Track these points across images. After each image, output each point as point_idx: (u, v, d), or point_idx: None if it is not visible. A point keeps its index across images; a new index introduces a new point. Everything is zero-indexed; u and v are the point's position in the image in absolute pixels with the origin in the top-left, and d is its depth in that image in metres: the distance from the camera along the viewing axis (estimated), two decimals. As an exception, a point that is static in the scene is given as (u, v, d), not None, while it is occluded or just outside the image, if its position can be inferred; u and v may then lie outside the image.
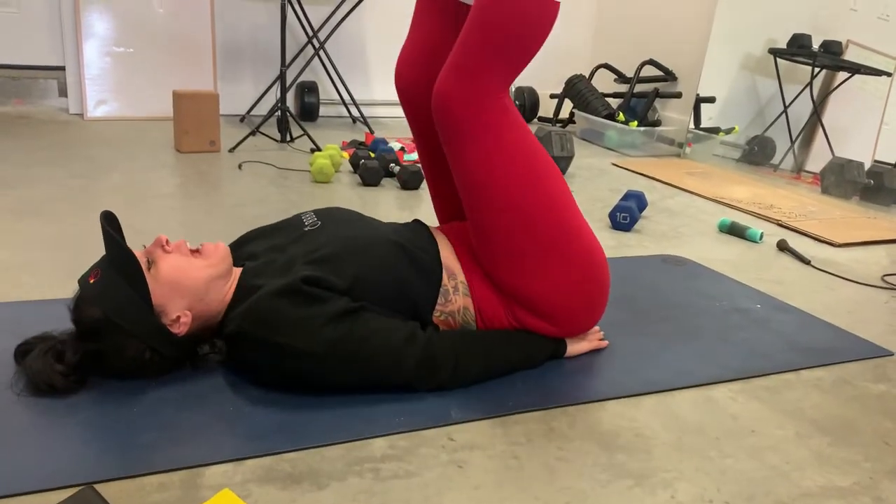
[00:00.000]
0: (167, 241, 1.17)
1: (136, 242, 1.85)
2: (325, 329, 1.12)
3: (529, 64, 4.26)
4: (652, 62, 3.97)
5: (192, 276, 1.16)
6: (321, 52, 3.66)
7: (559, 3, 1.21)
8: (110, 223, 1.17)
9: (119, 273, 1.11)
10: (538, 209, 1.27)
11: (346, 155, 3.04)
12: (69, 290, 1.57)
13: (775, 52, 3.81)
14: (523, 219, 1.27)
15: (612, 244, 2.21)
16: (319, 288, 1.15)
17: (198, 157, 2.89)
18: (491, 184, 1.25)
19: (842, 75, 3.83)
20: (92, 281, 1.12)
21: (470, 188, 1.28)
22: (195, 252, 1.22)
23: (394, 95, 4.11)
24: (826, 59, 3.78)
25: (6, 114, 3.43)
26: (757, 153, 3.85)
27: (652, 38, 4.13)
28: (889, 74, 3.91)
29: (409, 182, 2.68)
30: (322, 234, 1.29)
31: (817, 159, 3.79)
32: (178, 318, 1.15)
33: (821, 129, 3.84)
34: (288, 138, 3.25)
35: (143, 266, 1.14)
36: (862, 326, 1.70)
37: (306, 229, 1.33)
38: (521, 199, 1.26)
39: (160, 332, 1.14)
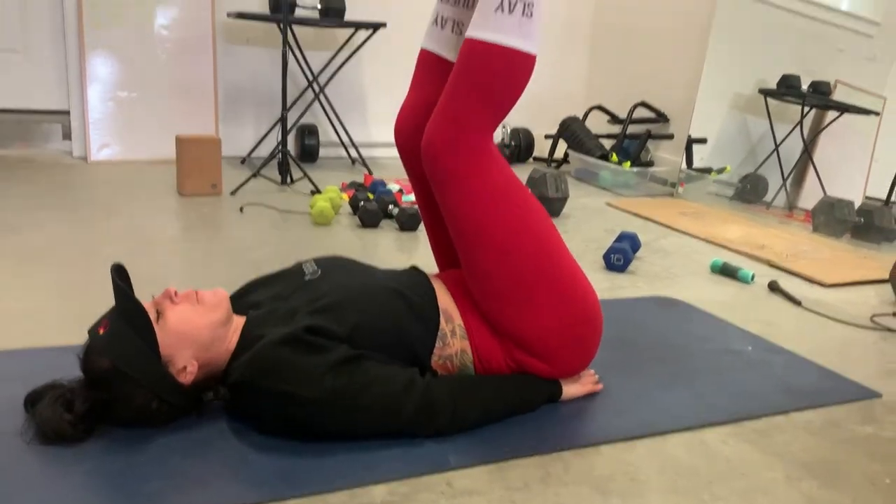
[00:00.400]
0: (175, 293, 1.21)
1: (140, 289, 1.88)
2: (327, 377, 1.16)
3: (525, 106, 4.31)
4: (644, 104, 4.05)
5: (198, 325, 1.20)
6: (321, 96, 3.74)
7: (535, 55, 1.29)
8: (120, 276, 1.22)
9: (128, 324, 1.15)
10: (528, 251, 1.33)
11: (345, 197, 3.10)
12: (76, 336, 1.60)
13: (765, 93, 3.90)
14: (514, 261, 1.32)
15: (607, 285, 2.25)
16: (321, 337, 1.19)
17: (200, 200, 2.94)
18: (481, 227, 1.31)
19: (831, 114, 3.92)
20: (102, 332, 1.16)
21: (461, 232, 1.33)
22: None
23: (391, 136, 4.17)
24: (815, 99, 3.87)
25: (11, 157, 3.50)
26: (750, 191, 3.91)
27: (644, 81, 4.22)
28: (877, 113, 4.00)
29: (407, 224, 2.74)
30: (323, 284, 1.33)
31: (810, 196, 3.85)
32: (185, 367, 1.19)
33: (812, 167, 3.91)
34: (288, 180, 3.31)
35: (152, 317, 1.18)
36: (851, 367, 1.74)
37: (307, 278, 1.37)
38: (511, 242, 1.32)
39: (168, 381, 1.18)
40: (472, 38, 1.27)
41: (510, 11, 1.25)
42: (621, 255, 2.39)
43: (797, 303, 2.19)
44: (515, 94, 1.30)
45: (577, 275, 1.39)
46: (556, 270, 1.36)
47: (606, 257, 2.42)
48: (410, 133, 1.46)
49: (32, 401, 1.22)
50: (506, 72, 1.26)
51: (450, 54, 1.46)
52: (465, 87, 1.27)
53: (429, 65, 1.47)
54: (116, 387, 1.16)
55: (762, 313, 2.10)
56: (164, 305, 1.20)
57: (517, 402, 1.37)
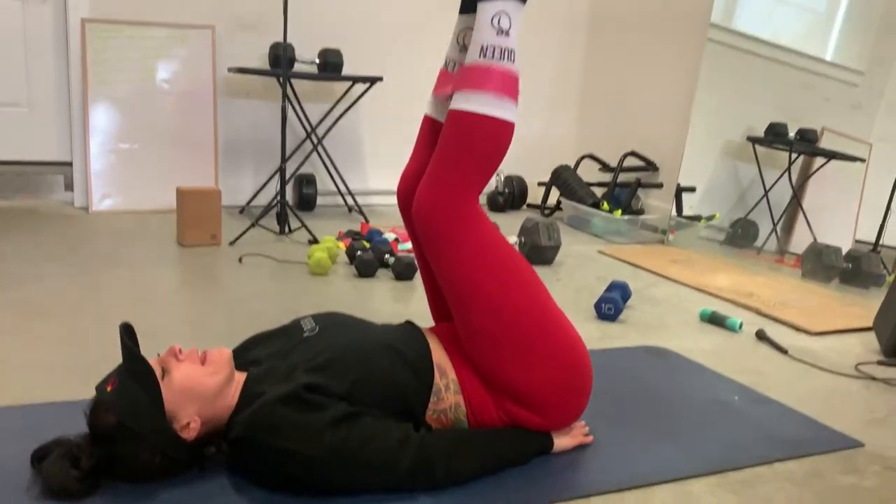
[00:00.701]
0: (180, 350, 1.26)
1: (142, 341, 1.93)
2: (325, 434, 1.21)
3: (518, 154, 4.42)
4: (634, 153, 4.15)
5: (202, 383, 1.25)
6: (319, 147, 3.83)
7: (514, 123, 1.37)
8: (128, 334, 1.27)
9: (136, 383, 1.20)
10: (518, 308, 1.39)
11: (342, 245, 3.16)
12: (81, 390, 1.64)
13: (754, 140, 4.00)
14: (504, 318, 1.38)
15: (598, 335, 2.30)
16: (319, 395, 1.24)
17: (200, 251, 3.00)
18: (471, 285, 1.37)
19: (819, 160, 4.01)
20: (109, 389, 1.21)
21: (453, 290, 1.40)
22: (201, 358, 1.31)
23: (387, 184, 4.27)
24: (802, 147, 3.96)
25: (14, 208, 3.56)
26: (741, 236, 3.99)
27: (633, 130, 4.33)
28: (862, 160, 4.09)
29: (403, 273, 2.79)
30: (320, 341, 1.38)
31: (801, 241, 3.92)
32: (189, 424, 1.24)
33: (801, 213, 3.99)
34: (287, 230, 3.37)
35: (158, 375, 1.23)
36: (835, 417, 1.79)
37: (305, 335, 1.42)
38: (501, 300, 1.38)
39: (172, 438, 1.22)
40: (456, 110, 1.35)
41: (493, 61, 1.33)
42: (612, 304, 2.45)
43: (783, 351, 2.24)
44: (496, 159, 1.38)
45: (566, 329, 1.45)
46: (546, 326, 1.41)
47: (598, 307, 2.48)
48: (410, 197, 1.54)
49: (39, 457, 1.26)
50: (487, 140, 1.35)
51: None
52: (450, 154, 1.35)
53: (429, 131, 1.55)
54: (122, 443, 1.20)
55: (750, 362, 2.15)
56: (169, 363, 1.25)
57: (510, 455, 1.41)
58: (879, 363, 2.19)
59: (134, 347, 1.21)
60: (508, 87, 1.35)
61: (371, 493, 1.27)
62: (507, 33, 1.36)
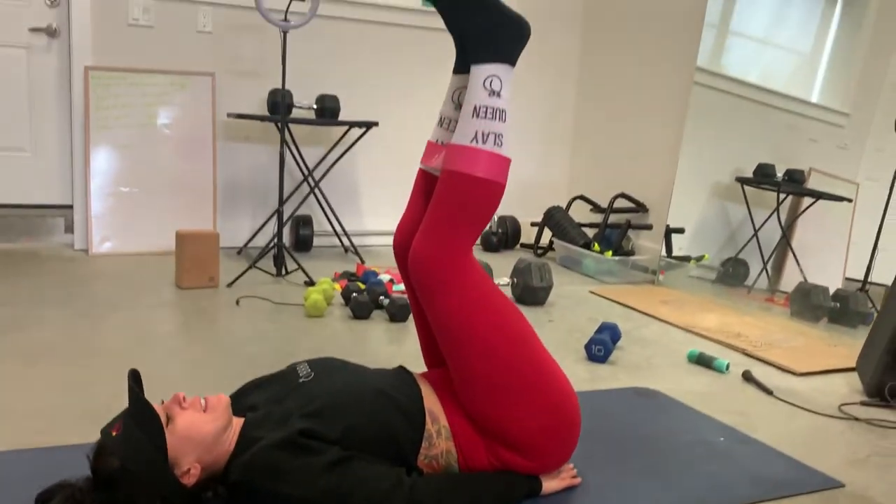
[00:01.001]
0: (184, 398, 1.32)
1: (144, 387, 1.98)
2: (320, 478, 1.25)
3: (512, 195, 4.48)
4: (624, 195, 4.24)
5: (204, 431, 1.30)
6: (316, 190, 3.91)
7: (504, 183, 1.45)
8: (135, 380, 1.32)
9: (141, 428, 1.25)
10: (508, 355, 1.45)
11: (338, 287, 3.22)
12: (82, 434, 1.69)
13: (742, 181, 4.09)
14: (495, 364, 1.44)
15: (588, 377, 2.35)
16: (314, 440, 1.29)
17: (197, 293, 3.05)
18: (464, 333, 1.43)
19: (807, 200, 4.09)
20: (115, 434, 1.26)
21: (446, 338, 1.46)
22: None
23: (382, 226, 4.35)
24: (790, 187, 4.05)
25: (15, 251, 3.62)
26: (731, 275, 4.05)
27: (623, 173, 4.43)
28: (849, 200, 4.18)
29: (397, 315, 2.85)
30: (315, 387, 1.44)
31: (791, 279, 3.99)
32: (189, 469, 1.28)
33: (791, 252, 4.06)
34: (283, 272, 3.43)
35: (163, 421, 1.28)
36: (817, 457, 1.83)
37: (301, 380, 1.48)
38: (492, 347, 1.44)
39: (173, 483, 1.27)
40: (450, 170, 1.42)
41: (483, 142, 1.41)
42: (602, 346, 2.50)
43: (769, 392, 2.29)
44: (487, 216, 1.46)
45: (555, 374, 1.50)
46: (536, 372, 1.47)
47: (588, 348, 2.53)
48: (405, 246, 1.61)
49: (43, 500, 1.29)
50: (478, 198, 1.43)
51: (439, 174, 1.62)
52: (444, 210, 1.42)
53: (423, 184, 1.62)
54: (124, 486, 1.24)
55: (735, 403, 2.20)
56: (173, 410, 1.30)
57: (499, 499, 1.45)
58: (862, 403, 2.25)
59: (141, 394, 1.26)
60: (500, 144, 1.43)
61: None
62: (499, 94, 1.44)
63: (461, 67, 1.57)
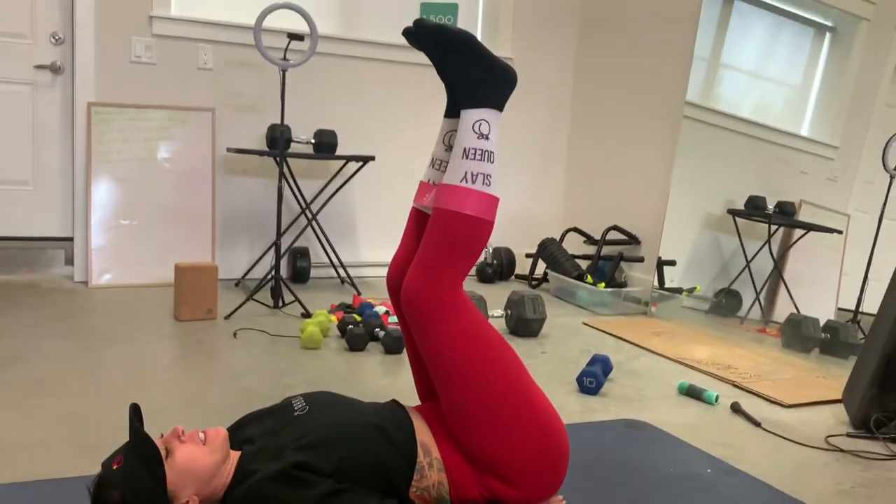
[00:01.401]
0: (183, 432, 1.36)
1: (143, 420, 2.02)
2: (314, 511, 1.29)
3: (507, 226, 4.56)
4: (616, 228, 4.30)
5: (202, 464, 1.34)
6: (313, 222, 3.97)
7: (493, 221, 1.53)
8: (136, 415, 1.37)
9: (141, 461, 1.29)
10: (498, 386, 1.50)
11: (334, 319, 3.26)
12: (82, 467, 1.72)
13: (733, 213, 4.16)
14: (485, 395, 1.49)
15: (579, 409, 2.39)
16: (308, 472, 1.33)
17: (195, 326, 3.10)
18: (454, 365, 1.49)
19: (798, 231, 4.16)
20: (115, 467, 1.30)
21: (437, 370, 1.51)
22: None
23: (378, 257, 4.41)
24: (780, 219, 4.12)
25: (15, 282, 3.67)
26: (724, 306, 4.10)
27: (616, 205, 4.50)
28: (839, 232, 4.24)
29: (392, 347, 2.89)
30: (309, 420, 1.48)
31: (784, 310, 4.04)
32: (187, 502, 1.32)
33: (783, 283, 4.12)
34: (280, 304, 3.48)
35: (162, 455, 1.32)
36: (802, 488, 1.87)
37: (295, 414, 1.52)
38: (482, 379, 1.49)
39: (171, 515, 1.31)
40: (441, 209, 1.48)
41: (472, 182, 1.48)
42: (593, 378, 2.55)
43: (757, 424, 2.33)
44: (476, 252, 1.52)
45: (544, 407, 1.55)
46: (525, 403, 1.52)
47: (579, 380, 2.57)
48: (398, 280, 1.67)
49: (44, 533, 1.34)
50: (468, 236, 1.49)
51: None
52: (435, 247, 1.49)
53: (416, 221, 1.68)
54: (124, 520, 1.28)
55: (724, 435, 2.24)
56: (172, 444, 1.34)
57: (489, 529, 1.49)
58: (848, 435, 2.29)
59: (141, 428, 1.30)
60: (489, 184, 1.50)
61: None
62: (487, 137, 1.52)
63: (452, 112, 1.65)
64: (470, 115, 1.52)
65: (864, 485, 1.93)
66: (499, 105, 1.54)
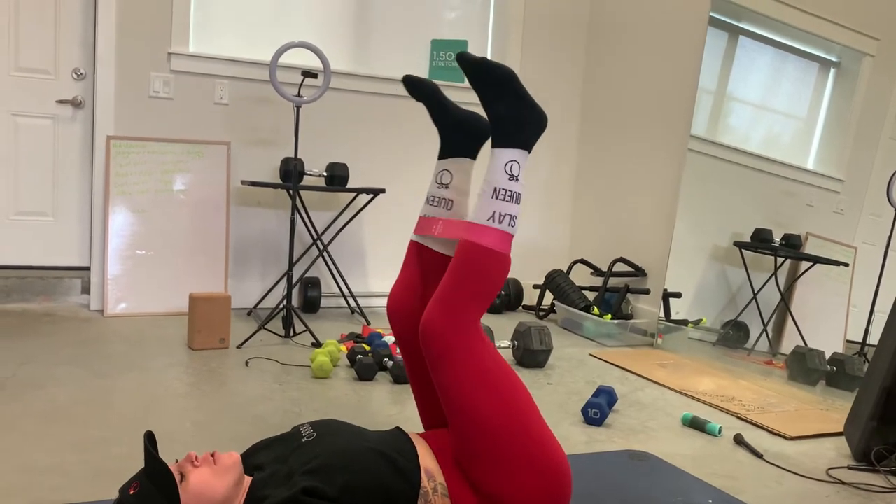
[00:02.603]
0: (196, 457, 1.42)
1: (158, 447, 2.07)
2: (322, 535, 1.34)
3: (515, 257, 4.65)
4: (623, 260, 4.35)
5: (215, 487, 1.40)
6: (324, 253, 4.05)
7: (510, 257, 1.59)
8: (151, 442, 1.43)
9: (156, 487, 1.35)
10: (507, 420, 1.55)
11: (343, 348, 3.32)
12: (98, 491, 1.78)
13: (740, 245, 4.20)
14: (494, 428, 1.54)
15: (584, 439, 2.43)
16: (316, 498, 1.39)
17: (208, 354, 3.16)
18: (467, 397, 1.54)
19: (805, 263, 4.19)
20: (132, 492, 1.35)
21: (449, 400, 1.56)
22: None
23: (387, 288, 4.46)
24: (786, 252, 4.15)
25: (33, 311, 3.75)
26: (732, 337, 4.13)
27: (622, 238, 4.56)
28: (846, 265, 4.27)
29: (400, 377, 2.94)
30: (316, 446, 1.54)
31: (792, 342, 4.05)
32: (201, 526, 1.38)
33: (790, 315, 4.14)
34: (291, 333, 3.54)
35: (176, 479, 1.37)
36: (803, 521, 1.90)
37: (303, 440, 1.58)
38: (493, 412, 1.54)
39: (185, 539, 1.36)
40: (469, 242, 1.55)
41: (499, 222, 1.56)
42: (598, 409, 2.58)
43: (759, 456, 2.36)
44: (497, 288, 1.59)
45: (550, 441, 1.60)
46: (532, 439, 1.57)
47: (584, 411, 2.61)
48: (399, 306, 1.75)
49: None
50: (492, 274, 1.56)
51: (434, 245, 1.77)
52: (460, 283, 1.56)
53: (415, 254, 1.76)
54: (140, 543, 1.34)
55: (726, 466, 2.27)
56: (186, 468, 1.40)
57: (491, 557, 1.53)
58: (850, 468, 2.31)
59: (156, 454, 1.36)
60: (513, 225, 1.58)
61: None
62: (517, 178, 1.60)
63: (445, 153, 1.76)
64: (503, 155, 1.60)
65: (864, 517, 1.96)
66: (529, 147, 1.62)
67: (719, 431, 2.55)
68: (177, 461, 1.44)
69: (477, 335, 1.58)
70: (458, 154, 1.80)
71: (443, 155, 1.80)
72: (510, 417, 1.55)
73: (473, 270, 1.55)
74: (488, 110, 1.63)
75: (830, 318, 4.23)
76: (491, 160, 1.62)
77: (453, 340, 1.54)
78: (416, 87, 1.78)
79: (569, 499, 1.61)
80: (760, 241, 4.18)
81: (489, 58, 1.76)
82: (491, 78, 1.60)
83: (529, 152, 1.63)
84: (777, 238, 4.18)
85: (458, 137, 1.79)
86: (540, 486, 1.55)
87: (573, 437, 2.44)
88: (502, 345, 3.60)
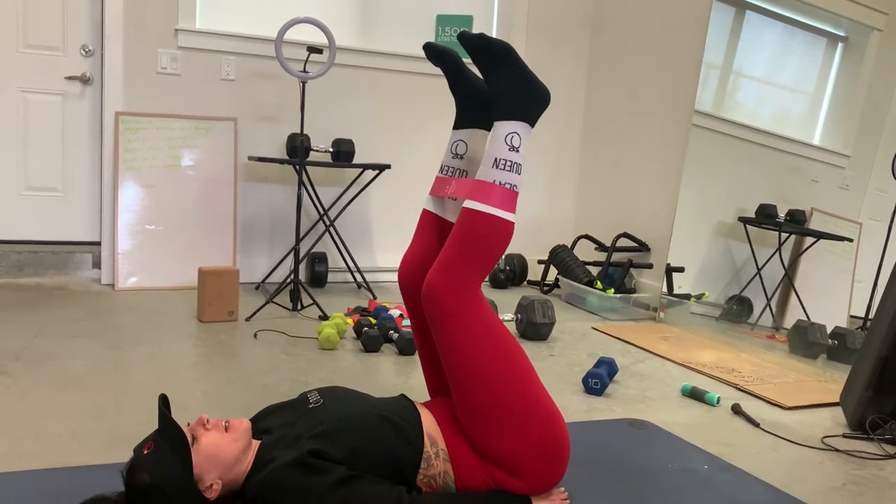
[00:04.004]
0: (208, 420, 1.48)
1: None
2: (328, 495, 1.40)
3: (520, 233, 4.66)
4: (626, 235, 4.38)
5: (225, 450, 1.45)
6: (331, 228, 4.09)
7: (514, 222, 1.61)
8: (164, 404, 1.48)
9: (169, 447, 1.40)
10: (507, 380, 1.60)
11: (350, 321, 3.38)
12: (111, 455, 1.85)
13: (744, 221, 4.22)
14: (495, 388, 1.59)
15: (584, 408, 2.48)
16: (322, 459, 1.44)
17: (217, 327, 3.22)
18: (468, 358, 1.59)
19: (809, 239, 4.21)
20: (146, 452, 1.41)
21: (451, 362, 1.61)
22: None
23: (393, 262, 4.52)
24: (791, 227, 4.17)
25: (45, 285, 3.82)
26: (735, 312, 4.17)
27: (626, 213, 4.58)
28: (850, 240, 4.29)
29: (405, 349, 3.00)
30: (323, 411, 1.59)
31: (795, 316, 4.09)
32: (211, 485, 1.44)
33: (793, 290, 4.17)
34: (299, 307, 3.60)
35: (189, 442, 1.43)
36: (796, 485, 1.95)
37: (311, 406, 1.63)
38: (493, 372, 1.59)
39: (197, 497, 1.42)
40: (469, 208, 1.59)
41: (501, 188, 1.59)
42: (598, 379, 2.64)
43: (756, 424, 2.41)
44: (499, 252, 1.62)
45: (547, 402, 1.65)
46: (530, 398, 1.62)
47: (585, 381, 2.66)
48: (410, 278, 1.78)
49: (85, 512, 1.45)
50: (493, 235, 1.59)
51: (445, 215, 1.80)
52: (461, 245, 1.59)
53: (427, 222, 1.80)
54: (154, 500, 1.39)
55: (723, 435, 2.32)
56: (198, 431, 1.46)
57: (492, 516, 1.59)
58: (844, 436, 2.36)
59: (169, 416, 1.42)
60: (508, 202, 1.60)
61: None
62: (518, 150, 1.63)
63: (461, 124, 1.76)
64: (504, 127, 1.62)
65: (856, 482, 2.01)
66: (531, 120, 1.64)
67: (717, 401, 2.60)
68: (188, 424, 1.50)
69: (478, 298, 1.61)
70: (474, 125, 1.82)
71: (458, 125, 1.80)
72: (509, 374, 1.59)
73: (474, 234, 1.58)
74: (489, 84, 1.66)
75: (834, 293, 4.25)
76: (492, 133, 1.65)
77: (455, 301, 1.58)
78: (438, 55, 1.78)
79: (567, 460, 1.66)
80: (765, 216, 4.19)
81: (495, 34, 1.78)
82: (489, 51, 1.63)
83: (532, 126, 1.65)
84: (782, 213, 4.19)
85: (475, 108, 1.81)
86: (539, 447, 1.60)
87: (574, 406, 2.49)
88: (506, 318, 3.65)
